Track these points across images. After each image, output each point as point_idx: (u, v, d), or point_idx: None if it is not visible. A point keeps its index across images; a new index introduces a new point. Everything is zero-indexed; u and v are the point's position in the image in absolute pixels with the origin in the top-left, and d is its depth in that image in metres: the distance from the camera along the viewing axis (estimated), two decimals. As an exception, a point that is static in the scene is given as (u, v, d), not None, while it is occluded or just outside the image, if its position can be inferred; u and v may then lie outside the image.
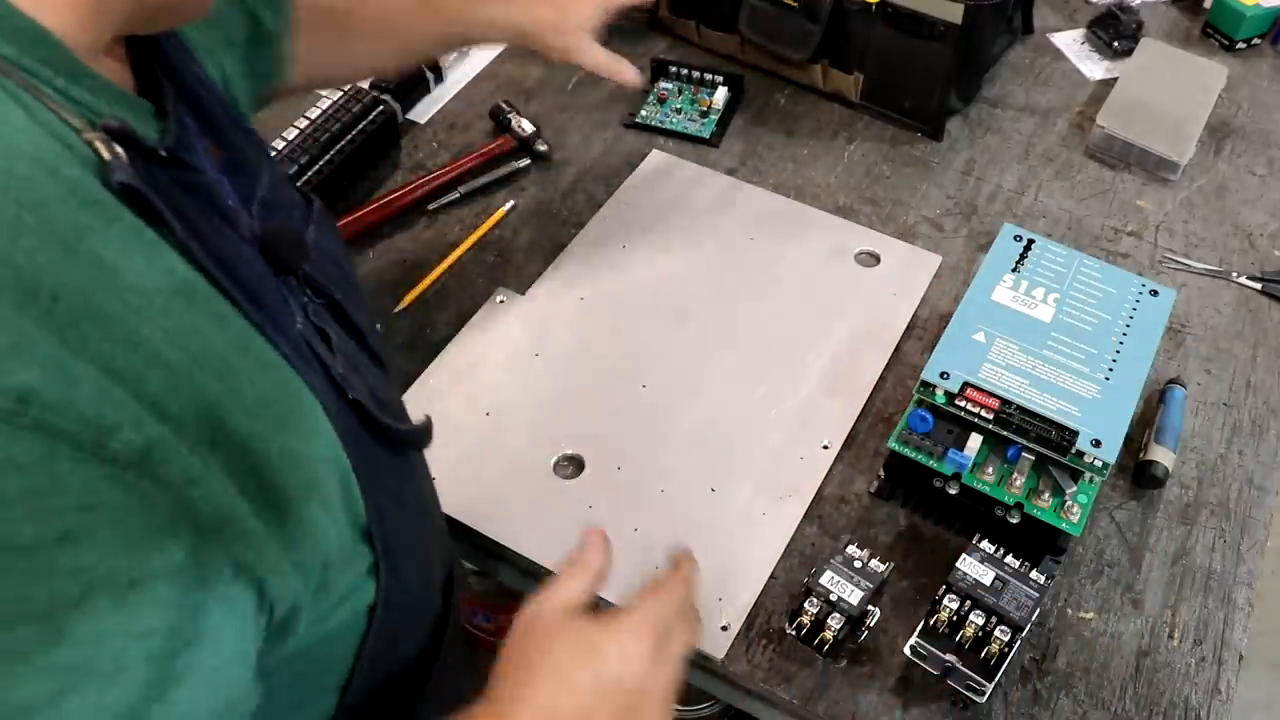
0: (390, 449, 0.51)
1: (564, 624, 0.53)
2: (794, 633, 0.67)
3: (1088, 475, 0.69)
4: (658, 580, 0.57)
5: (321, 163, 0.97)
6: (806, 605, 0.67)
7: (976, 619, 0.65)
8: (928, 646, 0.65)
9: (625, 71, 0.87)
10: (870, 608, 0.68)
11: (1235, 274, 0.94)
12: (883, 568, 0.69)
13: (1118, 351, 0.72)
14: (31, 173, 0.34)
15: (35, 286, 0.32)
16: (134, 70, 0.45)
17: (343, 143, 0.99)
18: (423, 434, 0.55)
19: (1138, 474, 0.79)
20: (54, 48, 0.37)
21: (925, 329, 0.89)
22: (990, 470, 0.71)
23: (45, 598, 0.31)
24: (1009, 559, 0.67)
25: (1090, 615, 0.72)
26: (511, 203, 0.99)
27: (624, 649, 0.52)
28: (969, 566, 0.67)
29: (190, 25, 0.50)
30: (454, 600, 0.61)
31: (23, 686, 0.31)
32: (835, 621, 0.66)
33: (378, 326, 0.58)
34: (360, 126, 1.01)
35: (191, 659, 0.35)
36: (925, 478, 0.73)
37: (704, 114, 1.07)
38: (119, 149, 0.37)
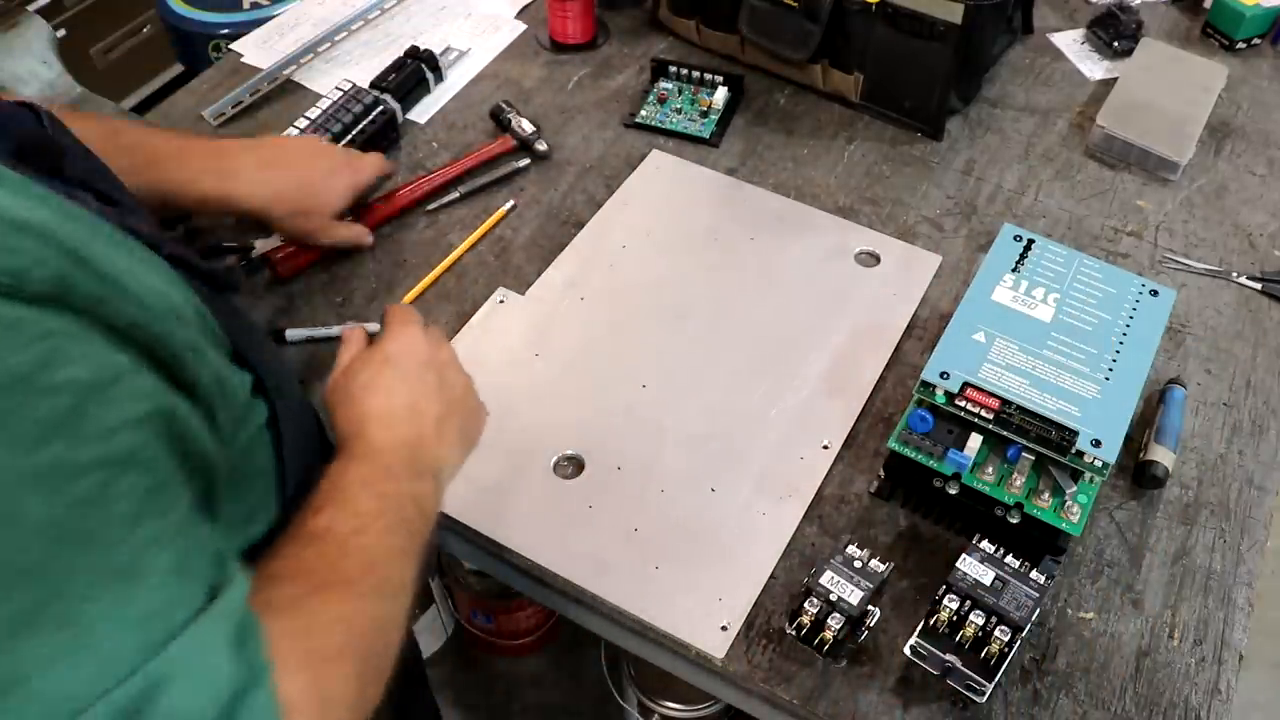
0: (217, 291, 0.54)
1: (354, 370, 0.64)
2: (794, 633, 0.67)
3: (1088, 475, 0.69)
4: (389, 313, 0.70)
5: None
6: (806, 605, 0.67)
7: (976, 619, 0.65)
8: (928, 646, 0.65)
9: (365, 238, 0.92)
10: (870, 608, 0.68)
11: (1235, 274, 0.94)
12: (883, 568, 0.69)
13: (1118, 351, 0.72)
14: None
15: None
16: None
17: (343, 143, 0.99)
18: (236, 273, 0.72)
19: (1138, 474, 0.79)
20: None
21: (925, 329, 0.89)
22: (990, 470, 0.71)
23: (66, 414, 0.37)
24: (1009, 559, 0.67)
25: (1090, 615, 0.72)
26: (511, 203, 0.99)
27: (402, 344, 0.65)
28: (969, 566, 0.67)
29: None
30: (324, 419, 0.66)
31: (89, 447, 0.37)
32: (835, 621, 0.66)
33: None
34: (360, 126, 1.01)
35: (180, 415, 0.42)
36: (925, 478, 0.73)
37: (704, 114, 1.07)
38: None
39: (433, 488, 0.61)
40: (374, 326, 0.88)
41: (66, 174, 0.51)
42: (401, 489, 0.58)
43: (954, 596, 0.66)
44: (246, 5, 1.72)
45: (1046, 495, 0.70)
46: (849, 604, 0.66)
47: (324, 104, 1.01)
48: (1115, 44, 1.16)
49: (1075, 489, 0.70)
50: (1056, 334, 0.73)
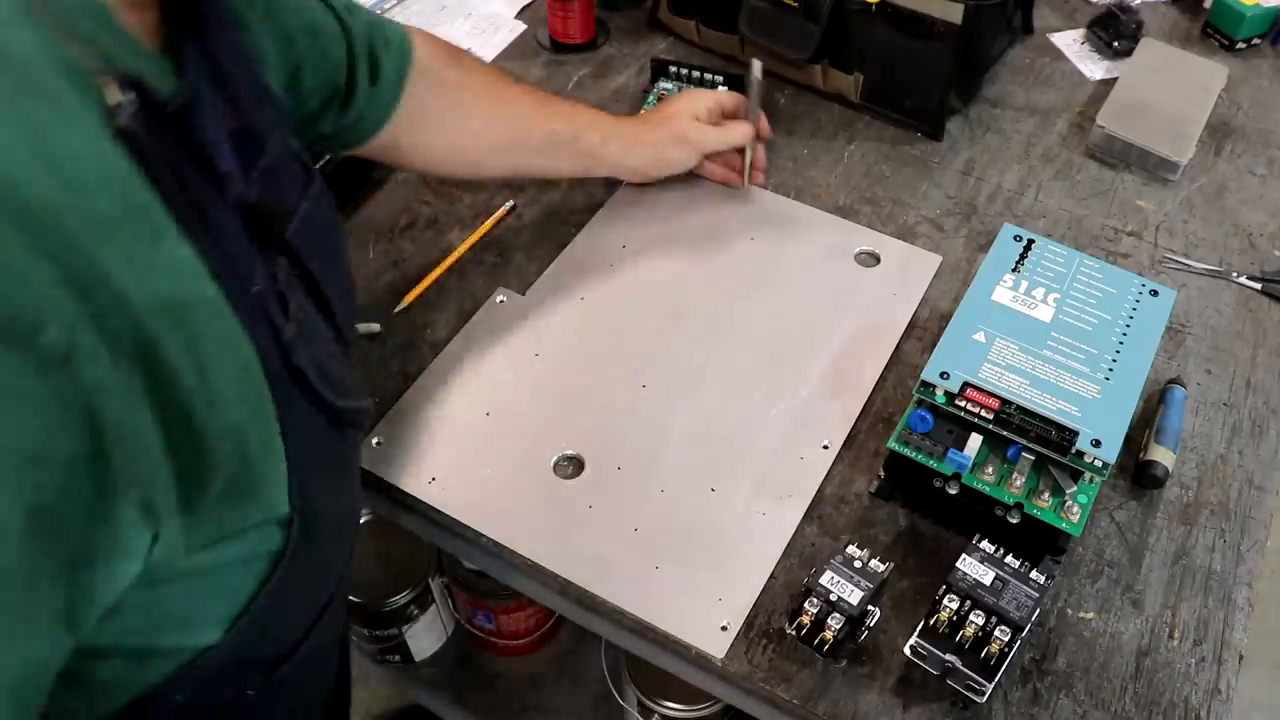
0: (326, 420, 0.54)
1: None
2: (794, 633, 0.67)
3: (1088, 475, 0.69)
4: None
5: (322, 162, 0.97)
6: (806, 605, 0.67)
7: (976, 619, 0.65)
8: (928, 646, 0.65)
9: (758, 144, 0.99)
10: (870, 608, 0.68)
11: (1235, 274, 0.94)
12: (883, 568, 0.69)
13: (1118, 351, 0.72)
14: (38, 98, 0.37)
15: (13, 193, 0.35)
16: (165, 29, 0.47)
17: (343, 143, 0.99)
18: (361, 413, 0.60)
19: (1138, 474, 0.79)
20: None
21: (925, 329, 0.89)
22: (990, 470, 0.71)
23: None
24: (1009, 559, 0.68)
25: (1090, 615, 0.72)
26: (511, 203, 0.99)
27: None
28: (969, 566, 0.67)
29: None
30: (347, 577, 0.65)
31: None
32: (835, 621, 0.66)
33: (355, 308, 0.66)
34: (360, 126, 1.00)
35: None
36: (925, 478, 0.73)
37: (704, 114, 1.07)
38: (127, 97, 0.40)
39: None
40: (374, 327, 0.88)
41: (281, 242, 0.53)
42: None
43: (954, 596, 0.66)
44: (246, 5, 1.72)
45: (1046, 495, 0.70)
46: (849, 604, 0.66)
47: (324, 104, 1.01)
48: (1115, 44, 1.16)
49: (1075, 489, 0.70)
50: (1056, 334, 0.73)
